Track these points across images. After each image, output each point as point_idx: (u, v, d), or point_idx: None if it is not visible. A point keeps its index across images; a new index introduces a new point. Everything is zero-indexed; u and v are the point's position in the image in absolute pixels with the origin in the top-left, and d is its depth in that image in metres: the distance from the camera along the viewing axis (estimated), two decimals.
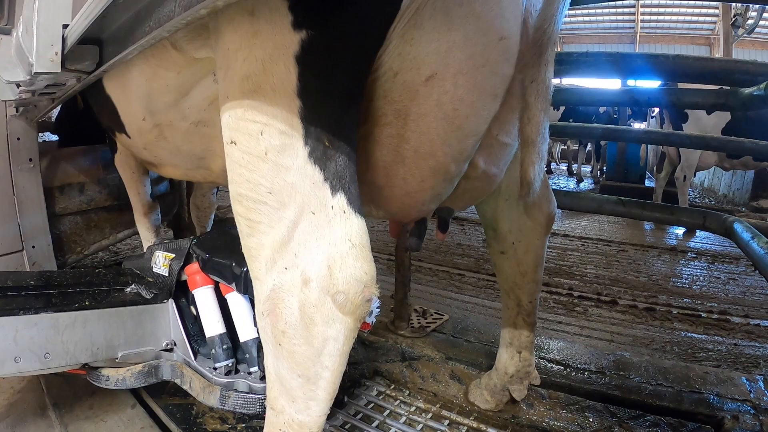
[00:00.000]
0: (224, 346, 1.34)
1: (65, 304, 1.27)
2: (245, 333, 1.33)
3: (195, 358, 1.36)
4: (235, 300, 1.35)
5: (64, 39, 0.99)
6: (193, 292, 1.39)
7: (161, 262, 1.49)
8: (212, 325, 1.35)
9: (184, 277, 1.43)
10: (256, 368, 1.32)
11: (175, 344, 1.42)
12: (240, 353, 1.37)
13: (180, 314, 1.40)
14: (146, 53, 1.05)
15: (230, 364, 1.34)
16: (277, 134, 0.76)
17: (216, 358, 1.33)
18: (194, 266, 1.40)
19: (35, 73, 1.01)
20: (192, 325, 1.42)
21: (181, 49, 1.00)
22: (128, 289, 1.47)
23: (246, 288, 1.27)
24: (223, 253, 1.35)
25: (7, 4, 1.65)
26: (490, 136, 1.04)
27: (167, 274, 1.44)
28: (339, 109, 0.79)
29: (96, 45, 1.04)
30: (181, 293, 1.43)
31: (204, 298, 1.38)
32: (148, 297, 1.40)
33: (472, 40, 0.83)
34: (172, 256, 1.48)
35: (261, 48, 0.75)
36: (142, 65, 1.17)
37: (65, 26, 0.98)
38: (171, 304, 1.40)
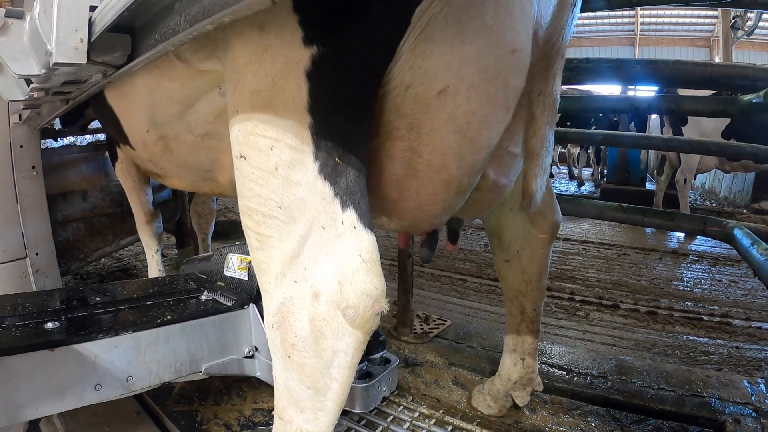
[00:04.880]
0: None
1: (145, 321, 1.19)
2: None
3: None
4: None
5: (91, 23, 0.78)
6: None
7: (236, 265, 1.42)
8: None
9: None
10: None
11: (257, 349, 1.36)
12: None
13: (261, 318, 1.33)
14: (149, 64, 1.05)
15: None
16: (288, 149, 0.77)
17: None
18: None
19: (54, 64, 0.80)
20: None
21: (185, 60, 1.00)
22: (203, 297, 1.40)
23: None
24: None
25: None
26: (501, 147, 1.03)
27: (246, 278, 1.37)
28: (349, 124, 0.79)
29: (128, 34, 0.84)
30: (258, 296, 1.36)
31: None
32: (228, 304, 1.35)
33: (485, 53, 0.82)
34: (250, 258, 1.39)
35: (271, 63, 0.76)
36: (145, 76, 1.16)
37: (92, 8, 0.78)
38: (252, 308, 1.34)
